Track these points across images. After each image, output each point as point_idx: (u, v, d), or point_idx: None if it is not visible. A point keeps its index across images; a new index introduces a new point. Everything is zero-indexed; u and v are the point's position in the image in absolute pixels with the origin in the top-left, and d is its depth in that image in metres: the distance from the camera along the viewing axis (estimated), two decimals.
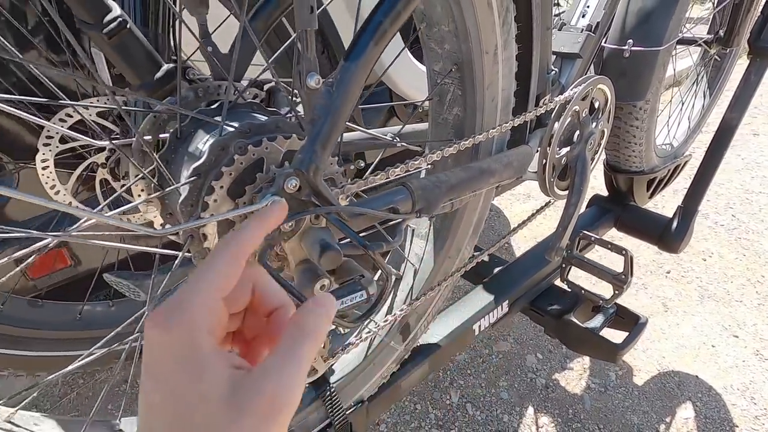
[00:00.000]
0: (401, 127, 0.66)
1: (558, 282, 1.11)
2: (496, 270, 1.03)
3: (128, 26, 0.50)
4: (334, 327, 0.54)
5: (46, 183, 0.64)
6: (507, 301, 0.94)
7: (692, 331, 1.64)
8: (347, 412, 0.64)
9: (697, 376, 1.47)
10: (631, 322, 0.93)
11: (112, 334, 0.48)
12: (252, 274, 0.28)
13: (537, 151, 0.74)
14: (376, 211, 0.43)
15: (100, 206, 0.59)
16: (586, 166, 0.78)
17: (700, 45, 1.17)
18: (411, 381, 0.79)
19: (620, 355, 0.86)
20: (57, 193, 0.66)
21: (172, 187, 0.39)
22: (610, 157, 1.18)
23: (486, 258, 1.09)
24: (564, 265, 0.85)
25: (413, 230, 0.73)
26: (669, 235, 1.09)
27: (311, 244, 0.38)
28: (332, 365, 0.61)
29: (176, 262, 0.54)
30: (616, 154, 1.13)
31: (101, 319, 0.79)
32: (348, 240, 0.39)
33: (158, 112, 0.42)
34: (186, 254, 0.42)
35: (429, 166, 0.66)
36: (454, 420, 1.38)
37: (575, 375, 1.51)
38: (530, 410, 1.40)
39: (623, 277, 0.78)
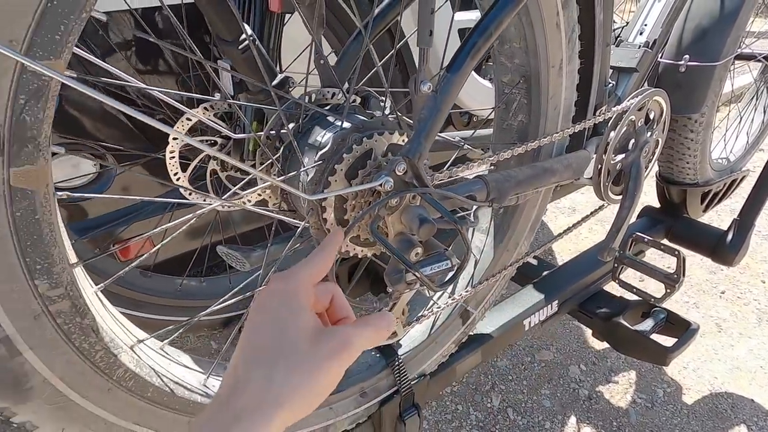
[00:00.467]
0: (472, 132, 0.75)
1: (607, 287, 1.15)
2: (546, 272, 1.08)
3: (256, 43, 0.63)
4: (415, 293, 0.63)
5: (171, 170, 0.78)
6: (557, 301, 1.00)
7: (748, 354, 1.59)
8: (412, 383, 0.73)
9: (752, 400, 1.44)
10: (681, 329, 0.96)
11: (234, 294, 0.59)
12: (332, 287, 0.39)
13: (593, 157, 0.81)
14: (459, 196, 0.52)
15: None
16: (640, 172, 0.84)
17: (759, 61, 1.19)
18: (465, 366, 0.86)
19: (670, 358, 0.89)
20: (178, 179, 0.80)
21: (303, 169, 0.49)
22: (663, 168, 1.21)
23: (535, 262, 1.15)
24: (616, 265, 0.90)
25: (472, 230, 0.81)
26: (723, 247, 1.10)
27: (411, 218, 0.48)
28: (407, 333, 0.70)
29: (296, 233, 0.64)
30: (669, 166, 1.17)
31: (195, 292, 0.93)
32: (439, 217, 0.48)
33: (292, 110, 0.53)
34: (306, 225, 0.53)
35: (492, 167, 0.74)
36: (494, 423, 1.42)
37: (620, 389, 1.51)
38: (572, 419, 1.42)
39: (675, 276, 0.82)
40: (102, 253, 0.91)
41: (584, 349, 1.66)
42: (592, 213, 0.87)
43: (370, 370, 0.70)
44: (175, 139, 0.80)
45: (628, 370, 1.57)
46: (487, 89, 1.23)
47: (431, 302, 0.70)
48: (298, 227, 0.55)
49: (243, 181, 0.60)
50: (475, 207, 0.58)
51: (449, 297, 0.71)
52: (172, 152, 0.79)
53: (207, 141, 0.82)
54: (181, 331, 0.56)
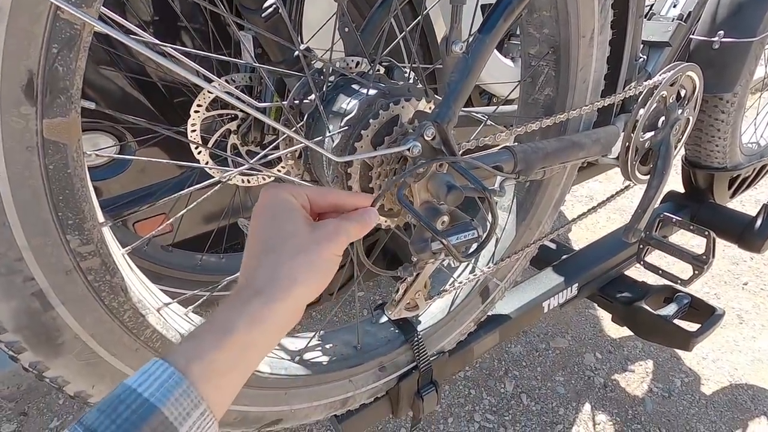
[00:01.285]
0: (494, 107, 0.73)
1: (628, 273, 1.13)
2: (565, 256, 1.07)
3: (279, 11, 0.62)
4: (439, 264, 0.62)
5: (192, 145, 0.78)
6: (577, 284, 0.98)
7: None
8: (431, 359, 0.73)
9: None
10: (705, 314, 0.94)
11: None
12: (330, 198, 0.42)
13: (622, 134, 0.78)
14: (486, 165, 0.51)
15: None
16: (669, 151, 0.81)
17: None
18: (482, 346, 0.86)
19: (694, 343, 0.87)
20: (200, 153, 0.80)
21: (330, 134, 0.49)
22: (690, 152, 1.18)
23: (554, 246, 1.13)
24: (641, 247, 0.88)
25: (496, 203, 0.80)
26: (751, 233, 1.07)
27: (438, 185, 0.47)
28: (428, 308, 0.69)
29: None
30: (697, 149, 1.13)
31: (215, 268, 0.93)
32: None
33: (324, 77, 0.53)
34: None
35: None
36: (508, 408, 1.42)
37: (636, 377, 1.49)
38: (587, 407, 1.41)
39: (704, 257, 0.80)
40: (126, 216, 0.92)
41: (600, 336, 1.64)
42: (617, 192, 0.85)
43: (389, 344, 0.70)
44: (196, 111, 0.80)
45: (644, 359, 1.56)
46: (509, 68, 1.20)
47: (453, 277, 0.69)
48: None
49: (269, 148, 0.60)
50: (500, 179, 0.57)
51: (470, 273, 0.70)
52: (193, 125, 0.79)
53: (227, 115, 0.82)
54: (204, 298, 0.56)
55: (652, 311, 0.94)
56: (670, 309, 0.94)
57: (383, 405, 0.74)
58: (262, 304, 0.32)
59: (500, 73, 1.18)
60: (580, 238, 2.06)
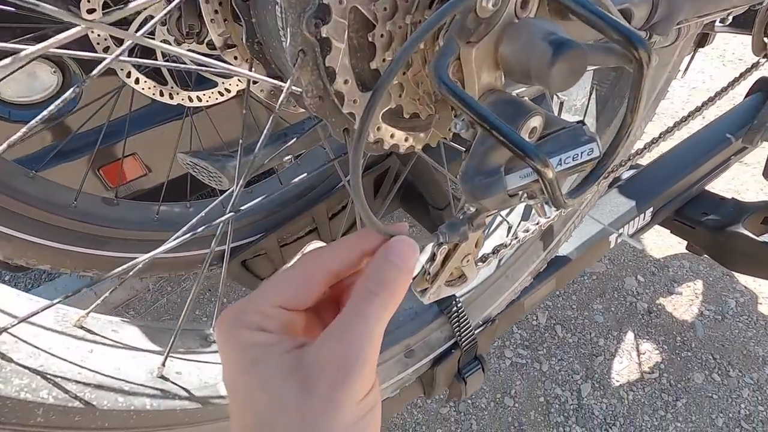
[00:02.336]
0: None
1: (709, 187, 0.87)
2: (631, 173, 0.80)
3: None
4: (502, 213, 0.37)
5: (98, 44, 0.50)
6: (651, 209, 0.73)
7: None
8: (475, 332, 0.51)
9: None
10: None
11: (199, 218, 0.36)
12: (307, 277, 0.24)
13: None
14: (611, 4, 0.23)
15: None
16: None
17: None
18: (535, 298, 0.64)
19: None
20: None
21: None
22: None
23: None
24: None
25: (561, 103, 0.52)
26: None
27: (529, 44, 0.20)
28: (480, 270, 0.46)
29: (263, 133, 0.39)
30: None
31: (179, 220, 0.70)
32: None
33: None
34: (291, 87, 0.26)
35: None
36: (541, 341, 1.27)
37: (684, 300, 1.32)
38: (630, 335, 1.26)
39: None
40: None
41: (641, 258, 1.44)
42: (743, 74, 0.56)
43: (417, 320, 0.48)
44: None
45: (693, 279, 1.36)
46: None
47: (511, 224, 0.44)
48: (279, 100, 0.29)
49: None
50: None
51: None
52: (92, 10, 0.50)
53: None
54: (107, 295, 0.33)
55: (755, 237, 0.70)
56: None
57: (412, 389, 0.55)
58: None
59: None
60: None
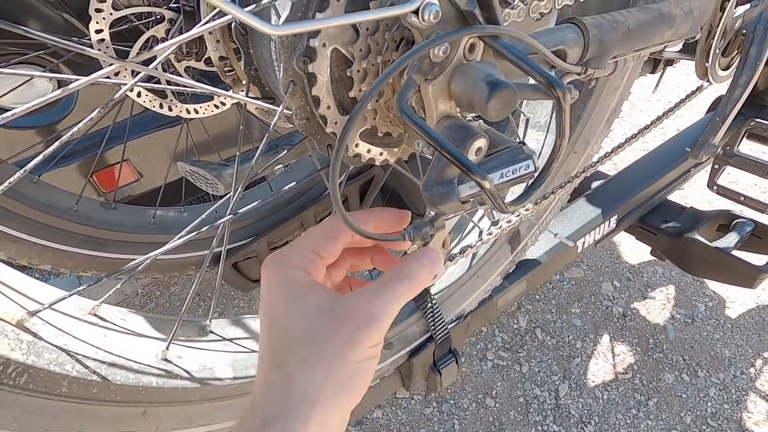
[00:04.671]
0: None
1: (671, 197, 0.94)
2: (599, 183, 0.87)
3: None
4: (458, 216, 0.43)
5: (104, 61, 0.54)
6: (615, 216, 0.80)
7: None
8: (449, 327, 0.56)
9: None
10: None
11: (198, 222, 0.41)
12: (339, 238, 0.31)
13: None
14: (545, 48, 0.29)
15: None
16: None
17: None
18: (507, 298, 0.70)
19: (760, 280, 0.72)
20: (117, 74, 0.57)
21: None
22: None
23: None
24: (717, 167, 0.68)
25: (527, 119, 0.59)
26: None
27: (471, 83, 0.26)
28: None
29: (261, 145, 0.44)
30: None
31: (174, 224, 0.74)
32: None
33: None
34: (285, 111, 0.31)
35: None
36: (522, 344, 1.33)
37: (657, 304, 1.39)
38: (605, 338, 1.32)
39: None
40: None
41: (618, 264, 1.51)
42: (688, 96, 0.63)
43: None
44: (99, 11, 0.54)
45: (666, 284, 1.44)
46: None
47: (479, 226, 0.50)
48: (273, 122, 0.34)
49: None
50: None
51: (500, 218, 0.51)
52: (99, 31, 0.55)
53: (148, 16, 0.57)
54: (118, 286, 0.38)
55: (708, 243, 0.77)
56: (730, 239, 0.77)
57: (392, 381, 0.60)
58: None
59: None
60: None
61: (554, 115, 0.57)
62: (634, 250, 1.51)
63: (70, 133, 0.31)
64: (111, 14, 0.56)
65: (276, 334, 0.27)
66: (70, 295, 0.32)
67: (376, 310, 0.26)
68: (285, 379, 0.26)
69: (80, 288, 0.32)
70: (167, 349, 0.37)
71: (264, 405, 0.26)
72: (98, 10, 0.55)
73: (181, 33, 0.59)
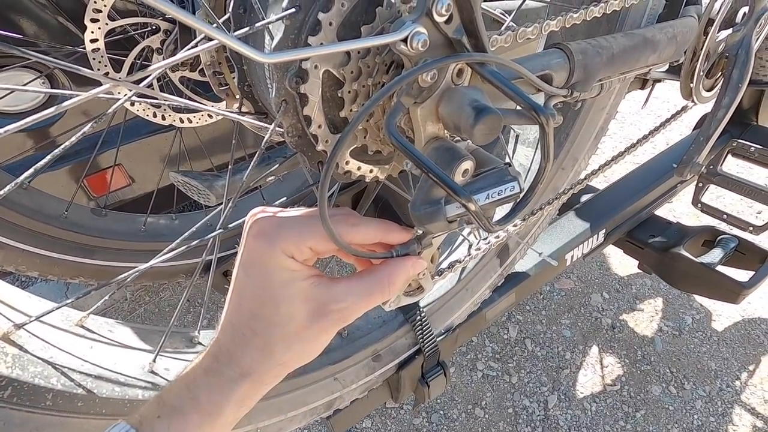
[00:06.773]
0: (520, 3, 0.50)
1: (658, 212, 0.96)
2: (588, 197, 0.89)
3: None
4: (445, 235, 0.44)
5: (98, 69, 0.55)
6: (603, 230, 0.82)
7: None
8: (437, 339, 0.57)
9: None
10: (755, 260, 0.79)
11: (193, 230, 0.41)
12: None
13: None
14: (530, 74, 0.30)
15: None
16: (749, 56, 0.60)
17: None
18: (496, 311, 0.70)
19: (744, 296, 0.73)
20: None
21: (262, 23, 0.27)
22: None
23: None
24: (701, 184, 0.70)
25: (517, 136, 0.60)
26: None
27: (458, 108, 0.27)
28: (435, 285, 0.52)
29: (254, 159, 0.44)
30: None
31: (165, 232, 0.74)
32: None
33: None
34: (278, 129, 0.32)
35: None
36: (512, 354, 1.33)
37: (645, 317, 1.41)
38: (594, 349, 1.33)
39: None
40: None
41: (607, 276, 1.53)
42: (673, 115, 0.65)
43: (384, 327, 0.54)
44: (94, 21, 0.55)
45: (654, 297, 1.46)
46: None
47: (468, 239, 0.51)
48: (266, 136, 0.35)
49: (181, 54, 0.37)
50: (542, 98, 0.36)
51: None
52: (94, 40, 0.55)
53: (143, 27, 0.57)
54: (106, 298, 0.38)
55: (693, 258, 0.79)
56: (714, 255, 0.79)
57: (380, 392, 0.60)
58: (250, 387, 0.30)
59: None
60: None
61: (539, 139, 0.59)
62: (623, 262, 1.53)
63: (63, 146, 0.31)
64: (107, 24, 0.56)
65: (262, 304, 0.30)
66: (57, 308, 0.32)
67: (350, 306, 0.30)
68: (266, 348, 0.30)
69: (68, 301, 0.32)
70: (154, 361, 0.37)
71: (243, 359, 0.30)
72: (94, 20, 0.55)
73: (176, 44, 0.59)
